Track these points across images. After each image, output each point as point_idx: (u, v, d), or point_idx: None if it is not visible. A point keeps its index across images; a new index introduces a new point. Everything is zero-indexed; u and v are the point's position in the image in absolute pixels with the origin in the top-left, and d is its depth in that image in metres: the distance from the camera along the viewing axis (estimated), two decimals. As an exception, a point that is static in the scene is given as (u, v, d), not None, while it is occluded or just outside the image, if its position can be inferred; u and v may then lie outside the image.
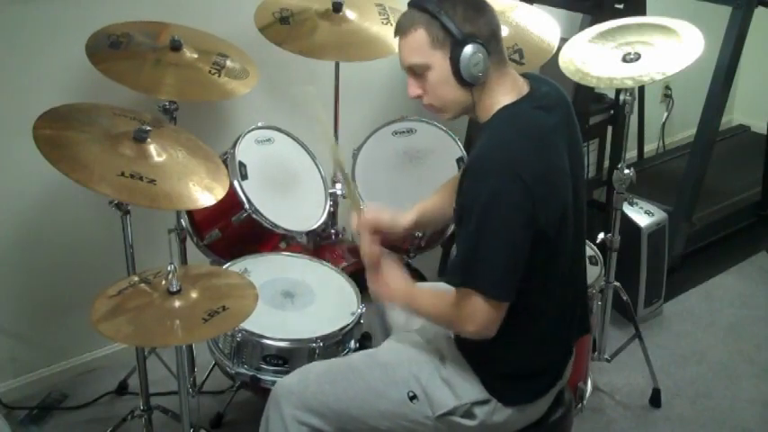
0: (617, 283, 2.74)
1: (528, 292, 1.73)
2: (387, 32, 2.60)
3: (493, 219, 1.64)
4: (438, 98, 1.77)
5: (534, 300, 1.77)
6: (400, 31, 1.75)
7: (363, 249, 1.96)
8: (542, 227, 1.67)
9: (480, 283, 1.68)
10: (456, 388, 1.85)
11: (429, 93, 1.77)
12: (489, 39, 1.70)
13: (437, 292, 1.87)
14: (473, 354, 1.87)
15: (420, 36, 1.71)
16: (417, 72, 1.75)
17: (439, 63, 1.72)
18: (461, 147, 2.76)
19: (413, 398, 1.85)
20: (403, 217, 2.05)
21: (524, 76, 1.82)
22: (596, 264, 2.59)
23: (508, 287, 1.69)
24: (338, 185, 2.70)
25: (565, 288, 1.84)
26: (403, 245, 2.65)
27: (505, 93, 1.75)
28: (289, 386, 1.89)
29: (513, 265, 1.67)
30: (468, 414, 1.86)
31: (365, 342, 2.20)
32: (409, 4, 1.76)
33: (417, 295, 1.91)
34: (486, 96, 1.75)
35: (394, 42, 2.65)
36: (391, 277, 1.94)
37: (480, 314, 1.69)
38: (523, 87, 1.78)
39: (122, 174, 1.86)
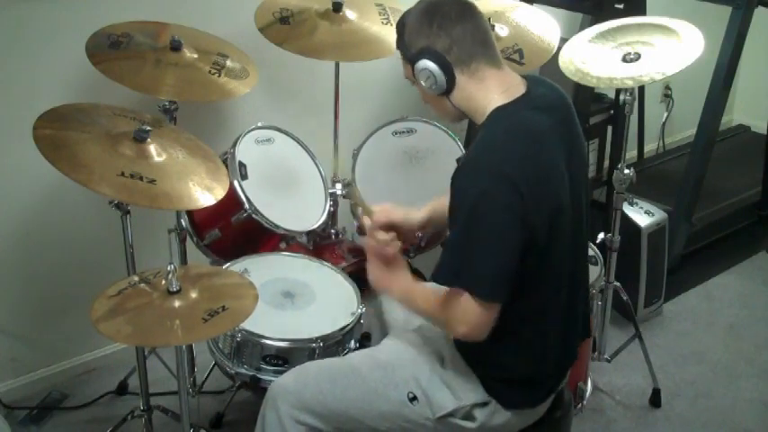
0: (617, 283, 2.74)
1: (526, 296, 1.73)
2: (387, 32, 2.60)
3: (480, 218, 1.65)
4: (432, 105, 1.87)
5: (534, 303, 1.77)
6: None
7: (378, 239, 1.98)
8: (532, 228, 1.66)
9: (468, 283, 1.68)
10: (456, 389, 1.85)
11: (427, 100, 1.87)
12: (450, 47, 1.74)
13: (435, 290, 1.85)
14: (473, 356, 1.86)
15: (399, 53, 1.83)
16: (413, 83, 1.85)
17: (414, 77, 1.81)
18: (461, 147, 2.76)
19: (413, 399, 1.85)
20: (416, 213, 2.07)
21: (523, 77, 1.82)
22: (596, 264, 2.59)
23: (498, 287, 1.68)
24: (338, 186, 2.71)
25: (567, 291, 1.83)
26: (403, 245, 2.64)
27: (495, 92, 1.76)
28: (286, 385, 1.89)
29: (502, 265, 1.67)
30: (468, 416, 1.86)
31: (365, 342, 2.20)
32: None
33: (416, 292, 1.90)
34: (470, 100, 1.78)
35: (394, 42, 2.66)
36: (396, 271, 1.94)
37: (470, 315, 1.69)
38: (519, 89, 1.78)
39: (122, 174, 1.86)
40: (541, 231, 1.69)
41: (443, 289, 1.81)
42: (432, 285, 2.17)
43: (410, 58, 1.77)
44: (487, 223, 1.65)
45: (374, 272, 1.95)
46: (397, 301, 1.98)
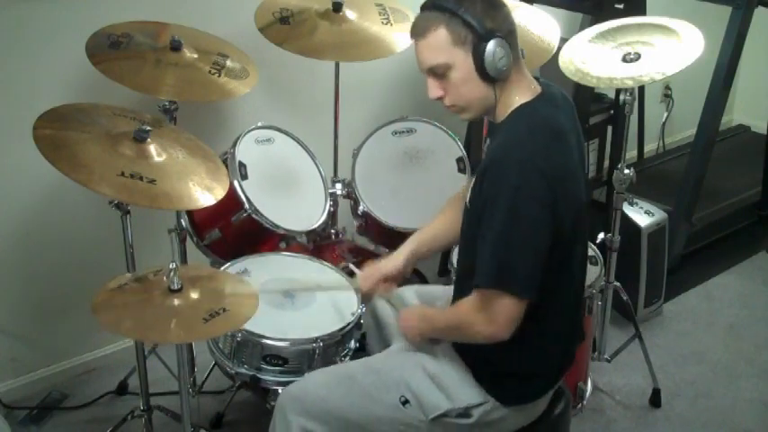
0: (617, 283, 2.74)
1: (546, 293, 1.72)
2: (387, 32, 2.60)
3: (518, 217, 1.64)
4: (461, 97, 1.75)
5: (545, 300, 1.75)
6: (418, 33, 1.72)
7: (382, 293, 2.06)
8: (561, 223, 1.67)
9: (513, 284, 1.67)
10: (448, 390, 1.85)
11: (451, 93, 1.74)
12: (508, 35, 1.70)
13: (448, 308, 1.86)
14: (473, 354, 1.86)
15: (441, 35, 1.68)
16: (438, 73, 1.72)
17: (461, 61, 1.69)
18: (461, 147, 2.76)
19: (405, 403, 1.86)
20: (394, 260, 2.08)
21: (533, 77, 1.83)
22: (596, 264, 2.59)
23: (534, 284, 1.68)
24: (338, 186, 2.71)
25: (571, 290, 1.84)
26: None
27: (522, 92, 1.75)
28: (292, 394, 1.91)
29: (537, 262, 1.67)
30: (464, 414, 1.86)
31: (365, 342, 2.20)
32: (424, 7, 1.73)
33: (430, 311, 1.93)
34: (506, 94, 1.75)
35: (394, 42, 2.66)
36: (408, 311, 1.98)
37: (506, 314, 1.68)
38: (537, 87, 1.78)
39: (122, 174, 1.86)
40: (567, 228, 1.69)
41: (438, 292, 1.81)
42: (425, 291, 2.19)
43: (482, 35, 1.66)
44: (525, 222, 1.64)
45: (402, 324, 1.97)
46: (423, 335, 1.93)
